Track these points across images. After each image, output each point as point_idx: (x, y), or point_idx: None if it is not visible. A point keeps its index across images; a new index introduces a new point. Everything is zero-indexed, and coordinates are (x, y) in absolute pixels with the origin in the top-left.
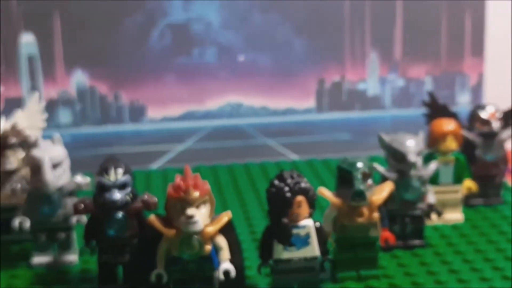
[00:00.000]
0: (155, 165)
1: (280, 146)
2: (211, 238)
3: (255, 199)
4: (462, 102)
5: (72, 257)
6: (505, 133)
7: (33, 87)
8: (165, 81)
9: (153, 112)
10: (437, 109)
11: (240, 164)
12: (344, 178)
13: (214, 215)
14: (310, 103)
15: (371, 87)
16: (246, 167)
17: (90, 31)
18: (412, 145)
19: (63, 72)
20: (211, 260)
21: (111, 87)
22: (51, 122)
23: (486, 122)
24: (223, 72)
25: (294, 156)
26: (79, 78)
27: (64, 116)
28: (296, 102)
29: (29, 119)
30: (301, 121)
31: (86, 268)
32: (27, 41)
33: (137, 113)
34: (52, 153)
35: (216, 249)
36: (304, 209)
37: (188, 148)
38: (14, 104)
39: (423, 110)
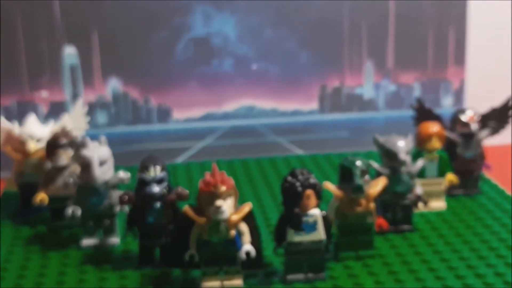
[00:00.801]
0: (179, 160)
1: (288, 143)
2: (235, 225)
3: (266, 190)
4: (446, 105)
5: (115, 240)
6: (482, 134)
7: (75, 93)
8: (188, 87)
9: (178, 114)
10: (423, 112)
11: (253, 158)
12: (345, 174)
13: (237, 205)
14: (314, 105)
15: (367, 91)
16: (259, 161)
17: (123, 44)
18: (402, 145)
19: (100, 80)
20: (235, 243)
21: (141, 92)
22: (90, 123)
23: (466, 124)
24: (239, 79)
25: (300, 152)
26: (114, 84)
27: (101, 117)
28: (301, 105)
29: (74, 121)
30: (306, 121)
31: (127, 249)
32: (70, 53)
33: (164, 114)
34: (99, 152)
35: (239, 234)
36: (313, 200)
37: (208, 145)
38: (58, 108)
39: (411, 112)
